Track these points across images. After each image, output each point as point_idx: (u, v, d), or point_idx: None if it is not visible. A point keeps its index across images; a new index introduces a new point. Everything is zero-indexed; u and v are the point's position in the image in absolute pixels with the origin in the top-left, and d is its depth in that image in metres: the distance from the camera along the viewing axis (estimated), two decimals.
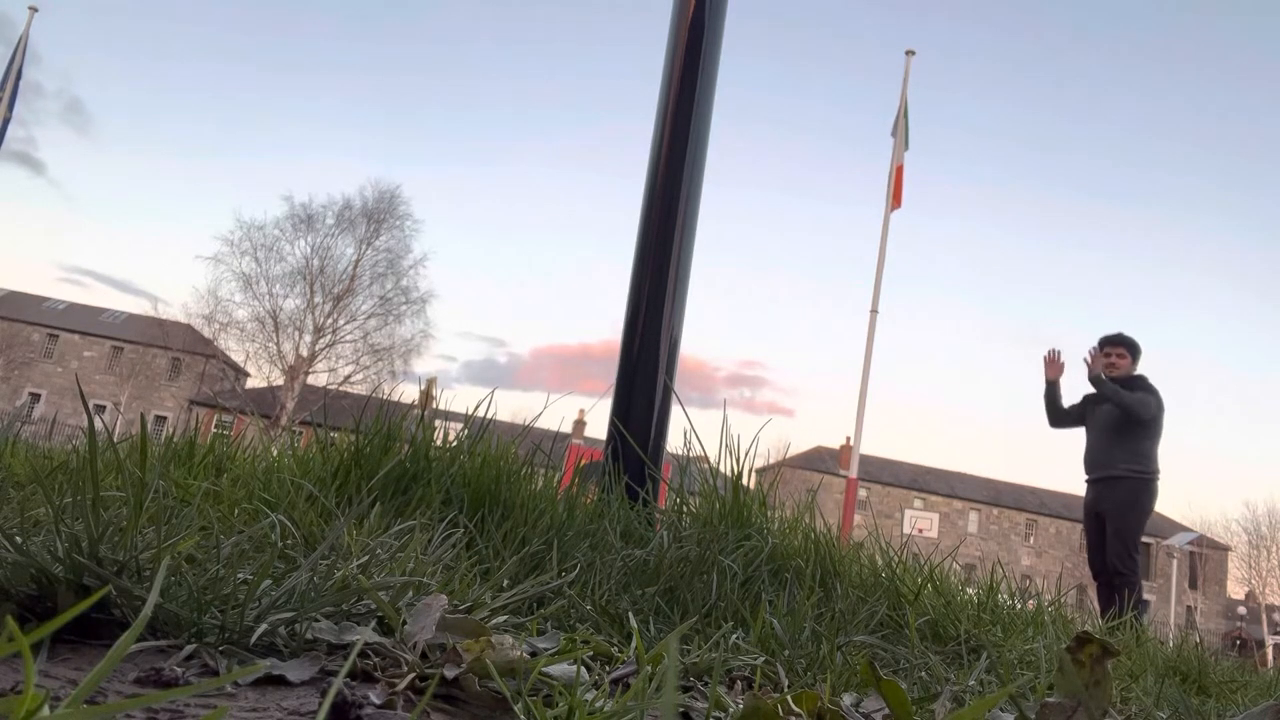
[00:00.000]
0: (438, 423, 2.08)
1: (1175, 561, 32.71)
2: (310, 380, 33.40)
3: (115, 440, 1.67)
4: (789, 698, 0.88)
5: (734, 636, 1.36)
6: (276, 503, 1.63)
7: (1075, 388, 5.88)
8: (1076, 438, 5.76)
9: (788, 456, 42.86)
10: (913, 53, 11.83)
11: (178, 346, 41.11)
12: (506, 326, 77.93)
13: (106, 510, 1.02)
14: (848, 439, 27.49)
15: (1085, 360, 5.50)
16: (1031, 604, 2.34)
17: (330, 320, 33.90)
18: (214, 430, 2.54)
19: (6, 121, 13.66)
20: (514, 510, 1.85)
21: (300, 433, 2.53)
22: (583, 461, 2.45)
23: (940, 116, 66.67)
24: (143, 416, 1.52)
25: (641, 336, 2.65)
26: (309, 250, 34.34)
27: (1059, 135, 75.85)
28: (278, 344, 33.29)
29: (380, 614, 1.04)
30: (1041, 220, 76.95)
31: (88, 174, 70.29)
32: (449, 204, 69.44)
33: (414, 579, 1.16)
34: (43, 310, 48.75)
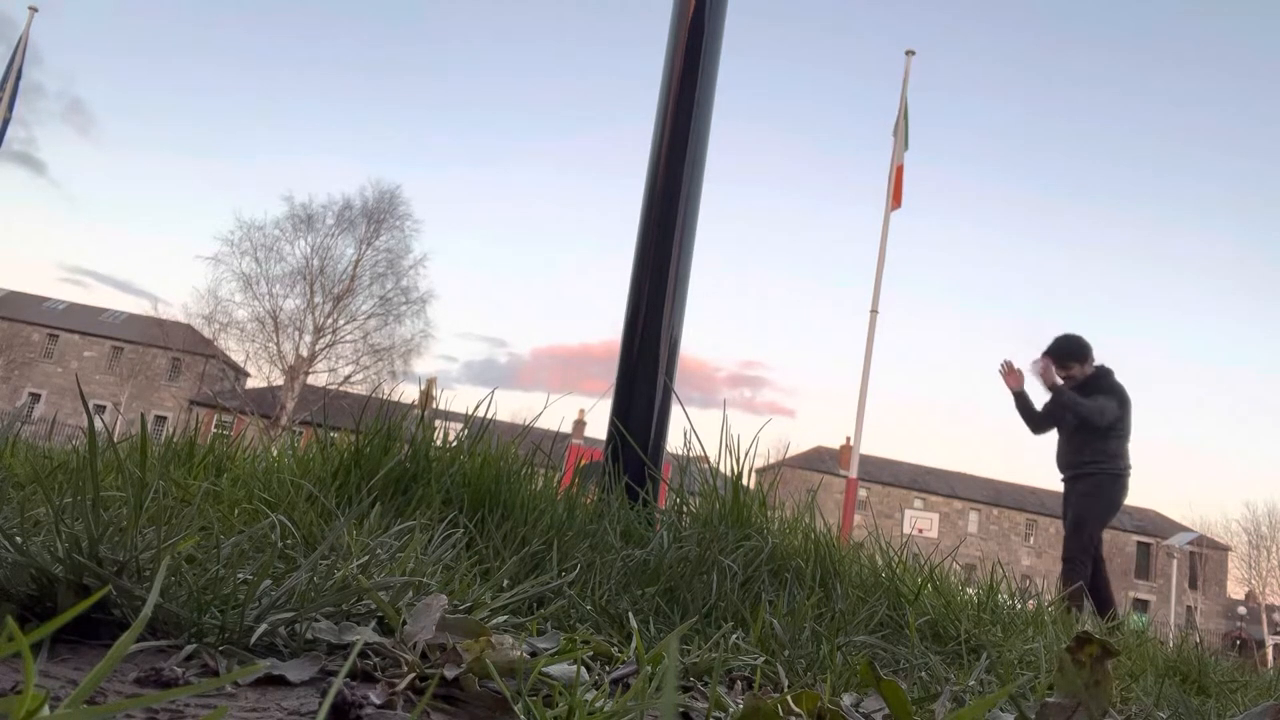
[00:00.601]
0: (438, 423, 2.08)
1: (1175, 561, 32.72)
2: (310, 380, 33.40)
3: (115, 440, 1.67)
4: (789, 698, 0.88)
5: (734, 636, 1.36)
6: (276, 503, 1.63)
7: (1040, 392, 5.85)
8: None
9: (788, 456, 42.89)
10: (913, 53, 11.84)
11: (178, 346, 41.10)
12: (506, 326, 77.98)
13: (106, 510, 1.02)
14: (848, 439, 27.53)
15: (1035, 372, 5.46)
16: (1031, 604, 2.35)
17: (330, 320, 33.91)
18: (214, 430, 2.54)
19: (7, 122, 13.66)
20: (514, 510, 1.85)
21: (300, 433, 2.53)
22: (583, 461, 2.45)
23: (940, 116, 66.79)
24: (143, 416, 1.52)
25: (641, 336, 2.65)
26: (309, 250, 34.40)
27: (1059, 135, 75.92)
28: (278, 344, 33.32)
29: (380, 614, 1.04)
30: (1041, 220, 77.02)
31: (89, 174, 70.42)
32: (449, 204, 69.53)
33: (414, 579, 1.16)
34: (43, 310, 48.76)
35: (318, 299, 33.88)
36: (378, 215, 35.12)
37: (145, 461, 1.22)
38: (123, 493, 1.15)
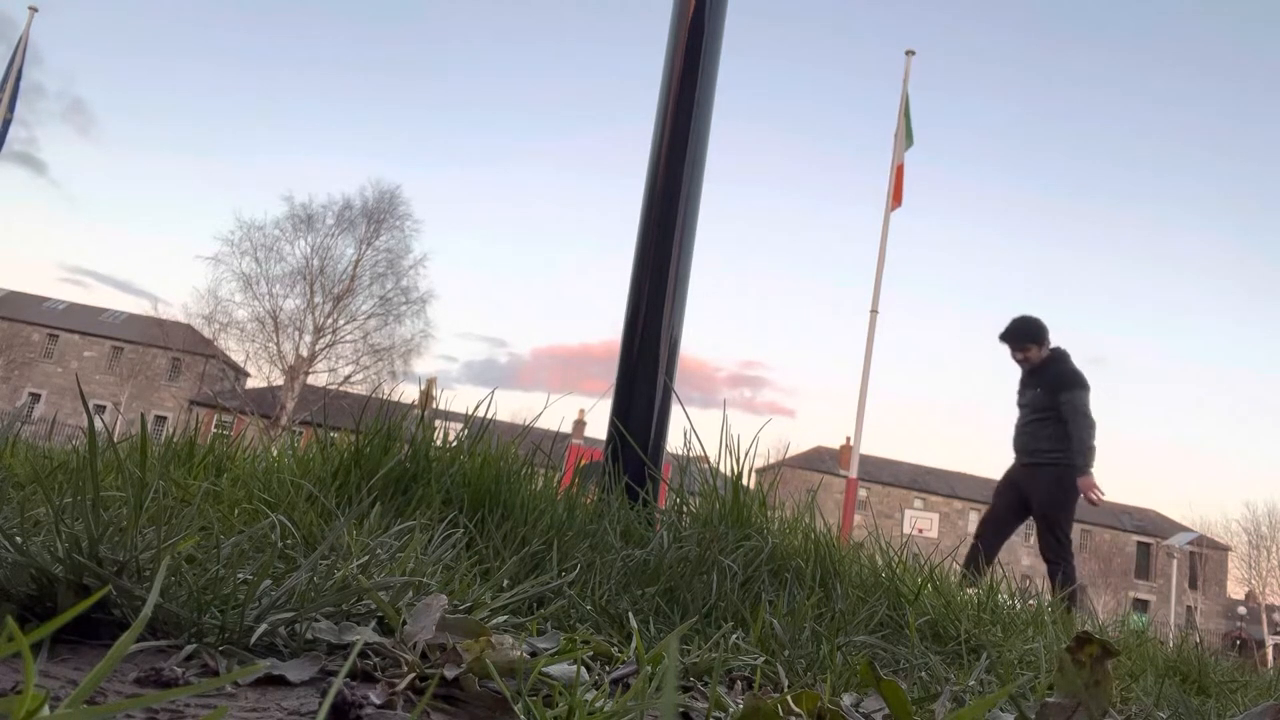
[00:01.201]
0: (438, 423, 2.08)
1: (1175, 561, 32.72)
2: (310, 380, 33.39)
3: (115, 440, 1.67)
4: (789, 698, 0.88)
5: (734, 636, 1.36)
6: (276, 503, 1.62)
7: (1009, 373, 5.83)
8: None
9: (788, 456, 42.86)
10: (913, 53, 11.83)
11: (178, 346, 41.09)
12: (506, 326, 77.97)
13: (106, 510, 1.02)
14: (848, 439, 27.50)
15: (1092, 502, 5.35)
16: (1031, 604, 2.35)
17: (330, 320, 33.91)
18: (214, 430, 2.54)
19: (8, 122, 13.66)
20: (514, 510, 1.85)
21: (300, 433, 2.53)
22: (583, 461, 2.45)
23: (940, 116, 66.82)
24: (143, 416, 1.52)
25: (641, 336, 2.65)
26: (309, 250, 34.38)
27: (1059, 135, 75.93)
28: (278, 344, 33.31)
29: (380, 614, 1.04)
30: (1041, 220, 77.03)
31: (89, 174, 70.42)
32: (449, 204, 69.51)
33: (414, 579, 1.16)
34: (43, 310, 48.75)
35: (318, 299, 33.89)
36: (378, 215, 35.14)
37: (145, 461, 1.22)
38: (123, 493, 1.15)
